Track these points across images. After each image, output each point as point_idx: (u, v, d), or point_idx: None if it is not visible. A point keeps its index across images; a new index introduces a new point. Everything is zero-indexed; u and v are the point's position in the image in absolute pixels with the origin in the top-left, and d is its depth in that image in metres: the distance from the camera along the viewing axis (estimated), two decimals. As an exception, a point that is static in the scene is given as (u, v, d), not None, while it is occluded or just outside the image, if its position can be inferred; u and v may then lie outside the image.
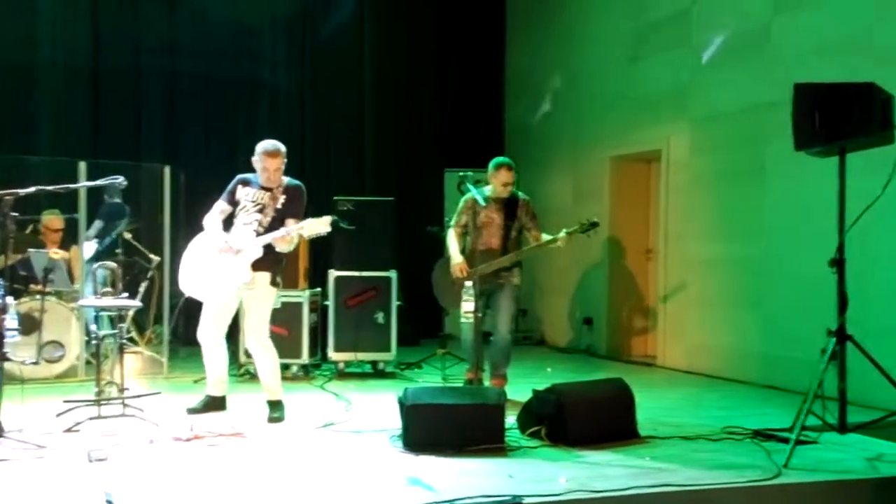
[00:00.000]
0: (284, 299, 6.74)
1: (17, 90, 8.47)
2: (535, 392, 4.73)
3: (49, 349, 6.30)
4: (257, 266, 5.02)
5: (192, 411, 5.16)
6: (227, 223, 5.21)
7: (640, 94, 8.21)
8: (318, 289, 7.22)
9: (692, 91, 7.55)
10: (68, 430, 4.63)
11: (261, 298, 5.10)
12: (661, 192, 7.95)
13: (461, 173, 5.69)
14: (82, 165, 6.44)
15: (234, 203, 5.18)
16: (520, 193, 6.03)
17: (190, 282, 5.11)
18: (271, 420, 5.04)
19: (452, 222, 6.04)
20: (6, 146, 7.69)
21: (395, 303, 7.04)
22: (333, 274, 7.04)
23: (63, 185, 5.07)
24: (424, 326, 8.96)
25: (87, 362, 6.46)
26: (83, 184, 6.03)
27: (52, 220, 7.10)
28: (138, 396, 5.05)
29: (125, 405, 4.92)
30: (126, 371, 5.19)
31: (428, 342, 8.62)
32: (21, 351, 5.35)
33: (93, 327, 5.71)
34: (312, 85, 9.59)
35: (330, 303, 7.01)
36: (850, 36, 5.95)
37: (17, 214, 4.37)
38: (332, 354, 6.99)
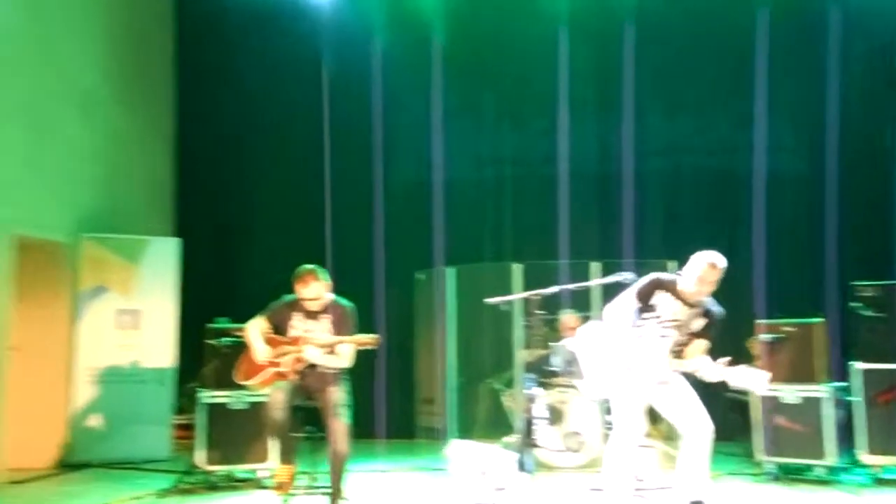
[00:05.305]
0: (801, 393, 6.27)
1: (541, 201, 9.46)
2: None
3: (571, 439, 6.69)
4: None
5: None
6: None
7: None
8: (842, 383, 6.55)
9: None
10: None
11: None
12: None
13: None
14: (594, 265, 6.92)
15: (647, 306, 4.71)
16: None
17: (606, 380, 4.69)
18: None
19: None
20: (531, 253, 8.65)
21: (938, 399, 6.06)
22: (858, 366, 6.35)
23: (579, 284, 5.47)
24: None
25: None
26: (595, 281, 6.44)
27: (569, 317, 7.65)
28: (650, 489, 5.08)
29: (639, 497, 4.99)
30: (641, 463, 5.27)
31: None
32: (548, 441, 5.78)
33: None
34: (824, 167, 8.94)
35: (856, 398, 6.31)
36: None
37: (542, 312, 4.81)
38: (864, 457, 6.24)
